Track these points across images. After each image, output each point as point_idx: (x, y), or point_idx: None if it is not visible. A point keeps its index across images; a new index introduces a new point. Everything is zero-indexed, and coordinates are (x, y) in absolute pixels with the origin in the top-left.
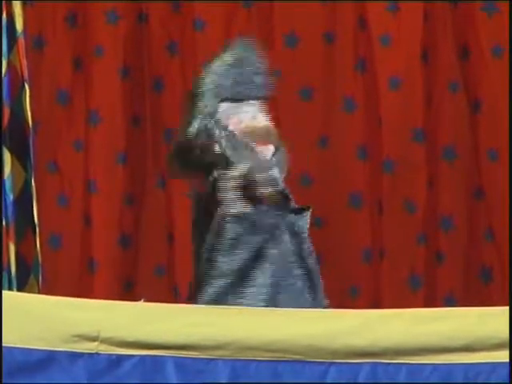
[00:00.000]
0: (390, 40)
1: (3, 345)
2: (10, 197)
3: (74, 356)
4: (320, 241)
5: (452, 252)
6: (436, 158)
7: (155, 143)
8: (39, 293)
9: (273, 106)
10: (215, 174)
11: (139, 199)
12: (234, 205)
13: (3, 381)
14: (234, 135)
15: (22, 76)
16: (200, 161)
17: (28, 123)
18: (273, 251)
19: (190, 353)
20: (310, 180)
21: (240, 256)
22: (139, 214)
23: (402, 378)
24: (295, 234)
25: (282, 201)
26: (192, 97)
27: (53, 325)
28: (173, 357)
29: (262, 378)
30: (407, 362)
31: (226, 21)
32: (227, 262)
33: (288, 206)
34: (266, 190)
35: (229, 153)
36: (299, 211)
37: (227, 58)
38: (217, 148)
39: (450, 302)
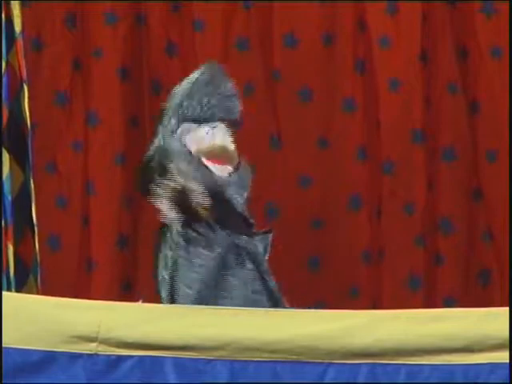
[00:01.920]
0: (389, 41)
1: (3, 346)
2: (9, 197)
3: (73, 357)
4: (319, 242)
5: (451, 253)
6: (435, 159)
7: None
8: (38, 293)
9: (272, 107)
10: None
11: (138, 200)
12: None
13: (3, 381)
14: (190, 152)
15: (21, 77)
16: (156, 178)
17: (26, 124)
18: (233, 281)
19: (189, 353)
20: (309, 181)
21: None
22: (138, 215)
23: (401, 378)
24: (252, 256)
25: (238, 223)
26: (159, 116)
27: (52, 325)
28: (172, 357)
29: (261, 378)
30: (406, 362)
31: (226, 22)
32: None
33: (247, 230)
34: (204, 207)
35: (182, 168)
36: (259, 234)
37: (194, 78)
38: (172, 165)
39: (449, 303)
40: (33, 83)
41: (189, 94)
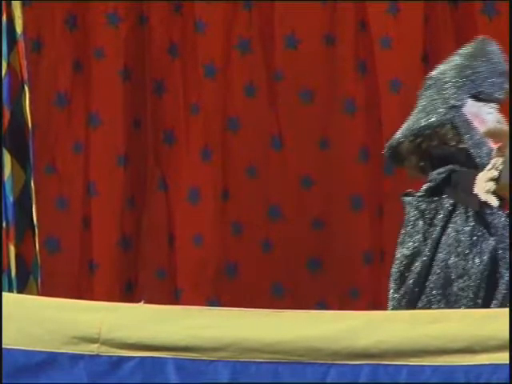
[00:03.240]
0: (391, 42)
1: (4, 346)
2: (10, 198)
3: (75, 358)
4: (321, 242)
5: None
6: None
7: (156, 145)
8: (39, 294)
9: (273, 108)
10: (451, 167)
11: (140, 202)
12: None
13: (4, 382)
14: (479, 133)
15: (22, 78)
16: (436, 152)
17: (28, 125)
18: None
19: (191, 354)
20: (310, 182)
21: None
22: (140, 217)
23: (402, 379)
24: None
25: None
26: (432, 85)
27: (53, 326)
28: (173, 358)
29: (263, 379)
30: (408, 363)
31: (227, 22)
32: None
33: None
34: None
35: (473, 150)
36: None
37: (473, 52)
38: (458, 143)
39: None
40: (34, 84)
41: (474, 68)
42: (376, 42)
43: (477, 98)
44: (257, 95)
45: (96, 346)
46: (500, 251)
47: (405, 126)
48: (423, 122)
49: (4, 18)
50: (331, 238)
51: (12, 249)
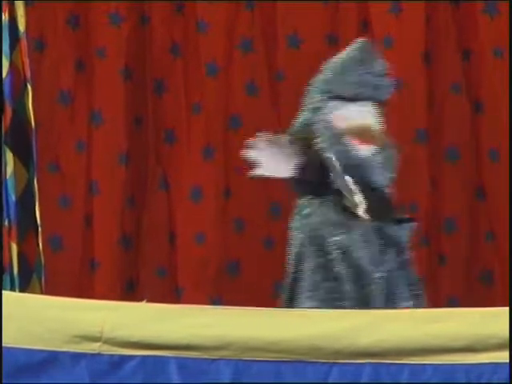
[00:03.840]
0: (393, 41)
1: (6, 345)
2: (13, 197)
3: (77, 356)
4: None
5: (454, 253)
6: (438, 158)
7: (157, 144)
8: (41, 293)
9: (275, 107)
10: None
11: (141, 200)
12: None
13: (4, 381)
14: (333, 129)
15: (25, 76)
16: (300, 156)
17: (30, 124)
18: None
19: (193, 353)
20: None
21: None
22: (141, 215)
23: (404, 378)
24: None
25: (381, 207)
26: (306, 92)
27: (55, 325)
28: (175, 357)
29: (265, 378)
30: (409, 362)
31: (229, 22)
32: None
33: (391, 214)
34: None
35: (324, 145)
36: (404, 222)
37: (344, 56)
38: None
39: (452, 303)
40: (36, 83)
41: (338, 71)
42: (378, 42)
43: (342, 98)
44: (259, 94)
45: (98, 344)
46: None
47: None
48: (294, 126)
49: (6, 16)
50: None
51: (14, 247)
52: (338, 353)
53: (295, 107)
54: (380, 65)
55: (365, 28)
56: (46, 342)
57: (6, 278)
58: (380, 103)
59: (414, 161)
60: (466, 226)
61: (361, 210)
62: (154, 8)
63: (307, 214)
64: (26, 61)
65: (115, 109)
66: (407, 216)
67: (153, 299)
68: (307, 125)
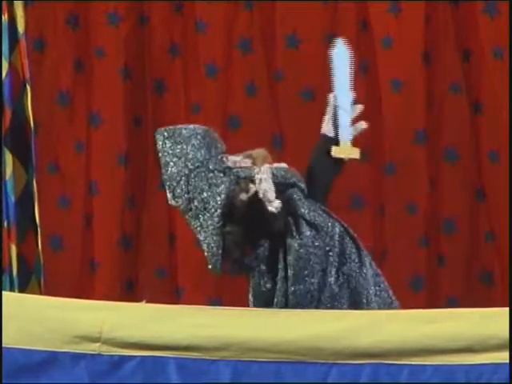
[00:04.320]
0: (392, 42)
1: (5, 346)
2: (12, 198)
3: (76, 357)
4: None
5: (454, 254)
6: (438, 159)
7: (156, 145)
8: (41, 294)
9: (274, 107)
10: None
11: (140, 201)
12: None
13: (4, 381)
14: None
15: (24, 77)
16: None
17: (29, 124)
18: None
19: (192, 354)
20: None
21: None
22: (140, 216)
23: (403, 378)
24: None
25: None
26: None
27: (54, 326)
28: (175, 358)
29: (264, 378)
30: (409, 362)
31: (228, 22)
32: None
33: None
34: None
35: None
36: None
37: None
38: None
39: (451, 304)
40: (35, 83)
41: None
42: (377, 42)
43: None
44: (258, 95)
45: (97, 345)
46: None
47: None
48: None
49: (6, 17)
50: None
51: (13, 248)
52: (338, 353)
53: (295, 107)
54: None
55: (364, 28)
56: (46, 342)
57: (6, 279)
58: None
59: (413, 161)
60: (466, 226)
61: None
62: (153, 8)
63: None
64: (25, 62)
65: (114, 109)
66: None
67: (153, 300)
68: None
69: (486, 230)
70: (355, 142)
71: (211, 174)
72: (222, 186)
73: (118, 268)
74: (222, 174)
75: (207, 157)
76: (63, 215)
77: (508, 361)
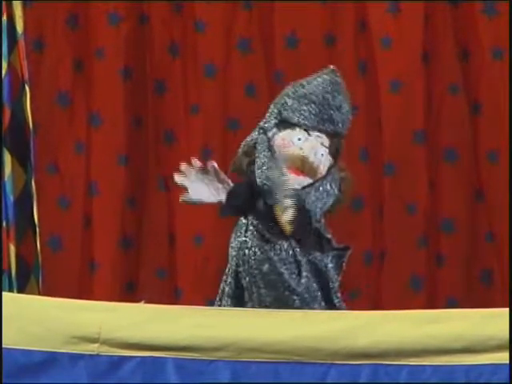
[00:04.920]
0: (391, 42)
1: (5, 346)
2: (11, 198)
3: (75, 357)
4: None
5: (453, 254)
6: (437, 159)
7: (157, 145)
8: (39, 294)
9: None
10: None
11: (141, 201)
12: None
13: (4, 382)
14: (271, 152)
15: (23, 77)
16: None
17: (28, 125)
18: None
19: (191, 354)
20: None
21: None
22: (140, 216)
23: (402, 379)
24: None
25: (308, 235)
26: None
27: (53, 326)
28: (173, 358)
29: (263, 379)
30: (408, 363)
31: (227, 22)
32: None
33: (319, 244)
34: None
35: (256, 171)
36: (333, 250)
37: (308, 82)
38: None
39: (450, 304)
40: (35, 84)
41: (297, 98)
42: (376, 42)
43: (284, 122)
44: (257, 95)
45: (96, 345)
46: None
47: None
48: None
49: (4, 17)
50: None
51: (12, 248)
52: (336, 354)
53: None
54: (342, 97)
55: (363, 28)
56: (45, 342)
57: (4, 279)
58: (335, 136)
59: (412, 162)
60: (465, 226)
61: (286, 217)
62: (152, 8)
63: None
64: (24, 62)
65: (114, 109)
66: (342, 246)
67: (152, 300)
68: (252, 145)
69: (485, 230)
70: (353, 143)
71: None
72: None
73: (117, 268)
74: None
75: None
76: (63, 215)
77: (508, 361)
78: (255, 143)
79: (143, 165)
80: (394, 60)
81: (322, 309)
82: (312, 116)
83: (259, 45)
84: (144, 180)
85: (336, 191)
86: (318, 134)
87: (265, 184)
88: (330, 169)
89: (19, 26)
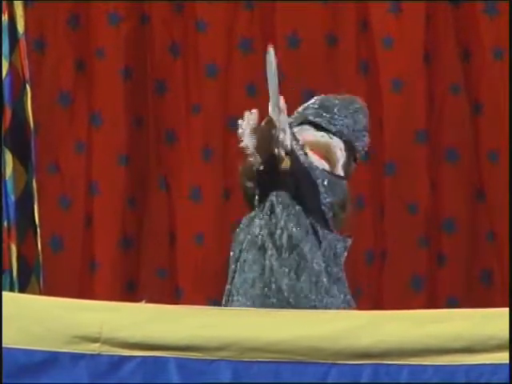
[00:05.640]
0: (393, 41)
1: (5, 346)
2: (12, 198)
3: (76, 357)
4: None
5: (454, 254)
6: (438, 159)
7: (157, 145)
8: (40, 294)
9: None
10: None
11: (141, 201)
12: None
13: (4, 381)
14: (297, 140)
15: (24, 77)
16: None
17: (29, 124)
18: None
19: (193, 354)
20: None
21: None
22: (141, 216)
23: (403, 378)
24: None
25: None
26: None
27: (54, 326)
28: (175, 358)
29: (264, 378)
30: (409, 363)
31: (228, 22)
32: None
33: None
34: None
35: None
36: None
37: (337, 99)
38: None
39: (451, 304)
40: (36, 84)
41: (326, 106)
42: (378, 42)
43: (315, 125)
44: (258, 95)
45: (97, 345)
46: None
47: None
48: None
49: (6, 17)
50: None
51: (13, 248)
52: (338, 353)
53: (295, 107)
54: (365, 121)
55: (364, 28)
56: (46, 342)
57: (5, 279)
58: (352, 151)
59: (413, 161)
60: (466, 226)
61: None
62: (153, 8)
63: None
64: (25, 62)
65: (115, 109)
66: (344, 234)
67: (153, 300)
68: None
69: (486, 229)
70: None
71: None
72: None
73: (118, 268)
74: None
75: None
76: (63, 215)
77: (508, 361)
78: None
79: (144, 164)
80: (395, 60)
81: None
82: (334, 125)
83: (260, 45)
84: (145, 180)
85: (331, 197)
86: (338, 139)
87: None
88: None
89: (20, 26)
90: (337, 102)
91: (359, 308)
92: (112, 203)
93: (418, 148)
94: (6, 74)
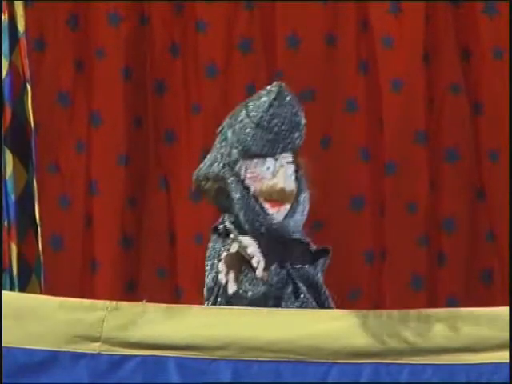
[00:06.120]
0: (392, 41)
1: (5, 345)
2: (12, 197)
3: (76, 356)
4: (321, 243)
5: (454, 253)
6: (438, 159)
7: (157, 145)
8: (41, 293)
9: None
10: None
11: (141, 201)
12: None
13: (4, 381)
14: (249, 192)
15: (24, 77)
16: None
17: (30, 124)
18: None
19: (193, 353)
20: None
21: None
22: (141, 216)
23: (404, 378)
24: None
25: (295, 252)
26: (220, 135)
27: (55, 325)
28: (175, 357)
29: (264, 378)
30: (409, 362)
31: (228, 22)
32: None
33: (305, 256)
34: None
35: (239, 211)
36: (319, 257)
37: (263, 104)
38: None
39: (451, 303)
40: (35, 83)
41: (253, 127)
42: (377, 42)
43: (259, 155)
44: None
45: (97, 344)
46: None
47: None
48: (206, 169)
49: (6, 16)
50: (332, 238)
51: (14, 248)
52: (338, 352)
53: None
54: (298, 112)
55: (364, 28)
56: (46, 341)
57: (6, 278)
58: (296, 150)
59: (413, 161)
60: (466, 226)
61: (259, 270)
62: (153, 8)
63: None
64: (26, 61)
65: (115, 109)
66: (322, 248)
67: (153, 299)
68: (220, 178)
69: (486, 229)
70: (354, 142)
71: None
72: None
73: (118, 268)
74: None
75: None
76: (63, 215)
77: (508, 361)
78: (216, 177)
79: (143, 164)
80: (395, 60)
81: None
82: (277, 144)
83: (260, 45)
84: (144, 180)
85: (307, 191)
86: (283, 155)
87: (257, 230)
88: (297, 178)
89: (20, 25)
90: (263, 114)
91: (359, 307)
92: (112, 203)
93: (417, 148)
94: (6, 74)
